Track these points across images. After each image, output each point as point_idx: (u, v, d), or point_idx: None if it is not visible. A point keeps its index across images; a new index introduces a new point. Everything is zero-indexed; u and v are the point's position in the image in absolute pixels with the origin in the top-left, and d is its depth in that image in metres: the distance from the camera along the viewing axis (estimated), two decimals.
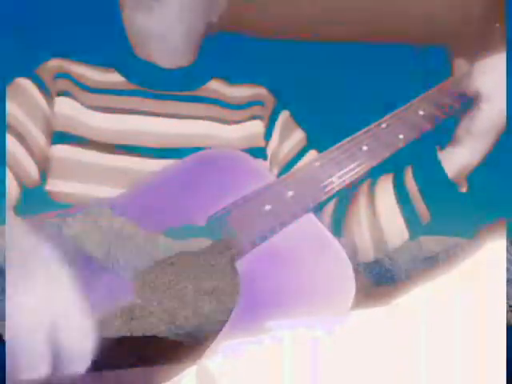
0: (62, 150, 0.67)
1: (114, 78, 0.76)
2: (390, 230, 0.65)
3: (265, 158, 0.75)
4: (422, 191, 0.63)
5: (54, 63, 0.74)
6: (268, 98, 0.81)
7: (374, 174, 0.67)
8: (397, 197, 0.64)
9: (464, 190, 0.64)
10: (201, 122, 0.73)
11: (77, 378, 0.32)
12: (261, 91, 0.82)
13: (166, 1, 0.68)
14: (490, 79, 0.60)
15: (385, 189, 0.66)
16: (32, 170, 0.67)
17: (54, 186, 0.67)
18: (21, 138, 0.67)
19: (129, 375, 0.30)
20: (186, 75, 0.76)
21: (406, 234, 0.65)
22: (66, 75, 0.73)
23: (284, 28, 1.05)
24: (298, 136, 0.79)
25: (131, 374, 0.30)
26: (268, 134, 0.77)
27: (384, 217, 0.65)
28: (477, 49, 0.65)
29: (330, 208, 0.71)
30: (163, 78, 0.74)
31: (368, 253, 0.67)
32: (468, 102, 0.62)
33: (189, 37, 0.74)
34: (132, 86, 0.74)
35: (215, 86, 0.80)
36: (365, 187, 0.69)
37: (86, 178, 0.66)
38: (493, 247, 0.32)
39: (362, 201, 0.68)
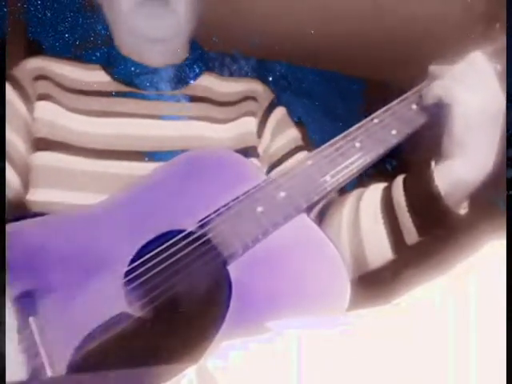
0: (43, 157, 0.63)
1: (99, 76, 0.72)
2: (372, 246, 0.60)
3: (258, 156, 0.72)
4: (410, 208, 0.57)
5: (34, 63, 0.70)
6: (263, 93, 0.78)
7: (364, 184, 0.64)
8: (382, 211, 0.59)
9: (462, 211, 0.58)
10: (191, 122, 0.69)
11: (78, 379, 0.31)
12: (255, 86, 0.78)
13: (173, 6, 0.66)
14: (446, 82, 0.56)
15: (372, 200, 0.62)
16: (13, 180, 0.63)
17: (34, 195, 0.62)
18: None
19: (129, 375, 0.29)
20: (176, 73, 0.73)
21: (389, 254, 0.60)
22: (46, 76, 0.68)
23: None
24: (290, 134, 0.76)
25: (132, 374, 0.30)
26: (261, 132, 0.74)
27: (366, 231, 0.60)
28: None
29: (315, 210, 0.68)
30: (151, 77, 0.71)
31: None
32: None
33: (187, 36, 0.73)
34: (118, 87, 0.70)
35: (206, 82, 0.76)
36: (351, 196, 0.65)
37: (69, 186, 0.61)
38: (493, 247, 0.32)
39: (345, 210, 0.64)
